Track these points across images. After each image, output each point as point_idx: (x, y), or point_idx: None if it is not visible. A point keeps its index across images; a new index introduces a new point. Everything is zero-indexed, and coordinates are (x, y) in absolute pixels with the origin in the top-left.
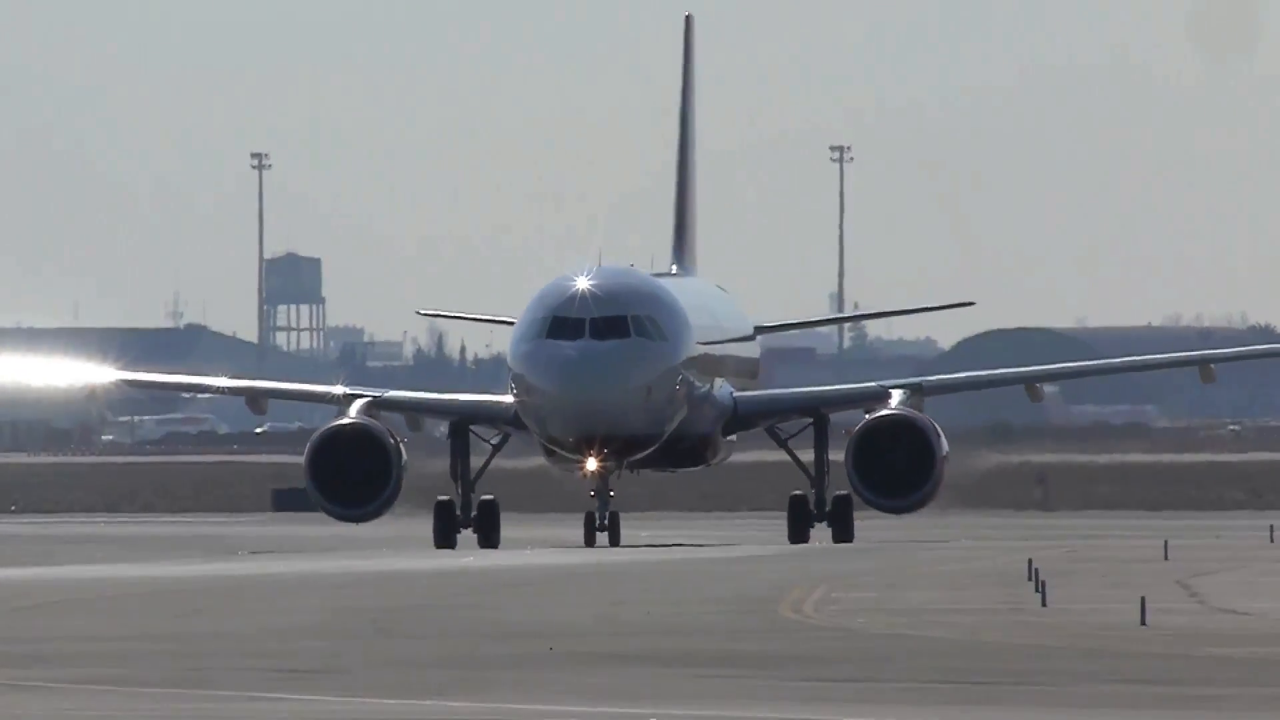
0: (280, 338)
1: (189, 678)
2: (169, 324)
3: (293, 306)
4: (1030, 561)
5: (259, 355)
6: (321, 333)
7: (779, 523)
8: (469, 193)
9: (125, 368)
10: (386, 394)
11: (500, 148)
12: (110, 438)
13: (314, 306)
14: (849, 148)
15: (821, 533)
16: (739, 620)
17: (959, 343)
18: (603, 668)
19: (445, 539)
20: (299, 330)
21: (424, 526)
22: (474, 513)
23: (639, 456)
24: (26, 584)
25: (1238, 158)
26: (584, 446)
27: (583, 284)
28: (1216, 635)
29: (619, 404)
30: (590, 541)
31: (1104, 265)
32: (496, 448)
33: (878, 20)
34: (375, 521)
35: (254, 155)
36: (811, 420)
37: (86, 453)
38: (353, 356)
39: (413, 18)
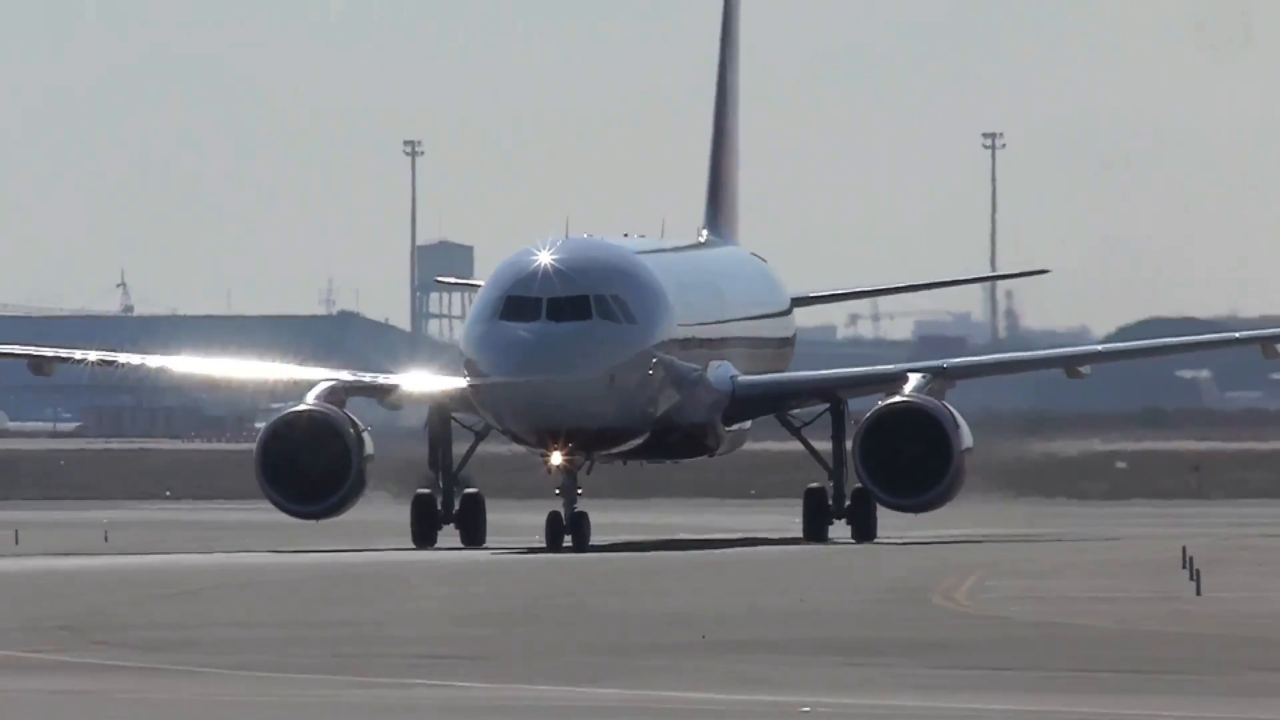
0: (432, 325)
1: (339, 664)
2: (321, 311)
3: (445, 294)
4: (1184, 550)
5: (411, 342)
6: None
7: (787, 513)
8: (614, 181)
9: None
10: (358, 377)
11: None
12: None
13: (466, 294)
14: (1001, 134)
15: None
16: (892, 609)
17: (1114, 331)
18: (756, 656)
19: (424, 537)
20: (451, 317)
21: (401, 518)
22: (456, 508)
23: (617, 451)
24: (179, 570)
25: None
26: (546, 440)
27: (544, 259)
28: None
29: (577, 393)
30: (555, 544)
31: (1257, 253)
32: (480, 435)
33: (1031, 9)
34: (340, 517)
35: (407, 143)
36: (828, 406)
37: (240, 440)
38: None
39: (564, 4)
